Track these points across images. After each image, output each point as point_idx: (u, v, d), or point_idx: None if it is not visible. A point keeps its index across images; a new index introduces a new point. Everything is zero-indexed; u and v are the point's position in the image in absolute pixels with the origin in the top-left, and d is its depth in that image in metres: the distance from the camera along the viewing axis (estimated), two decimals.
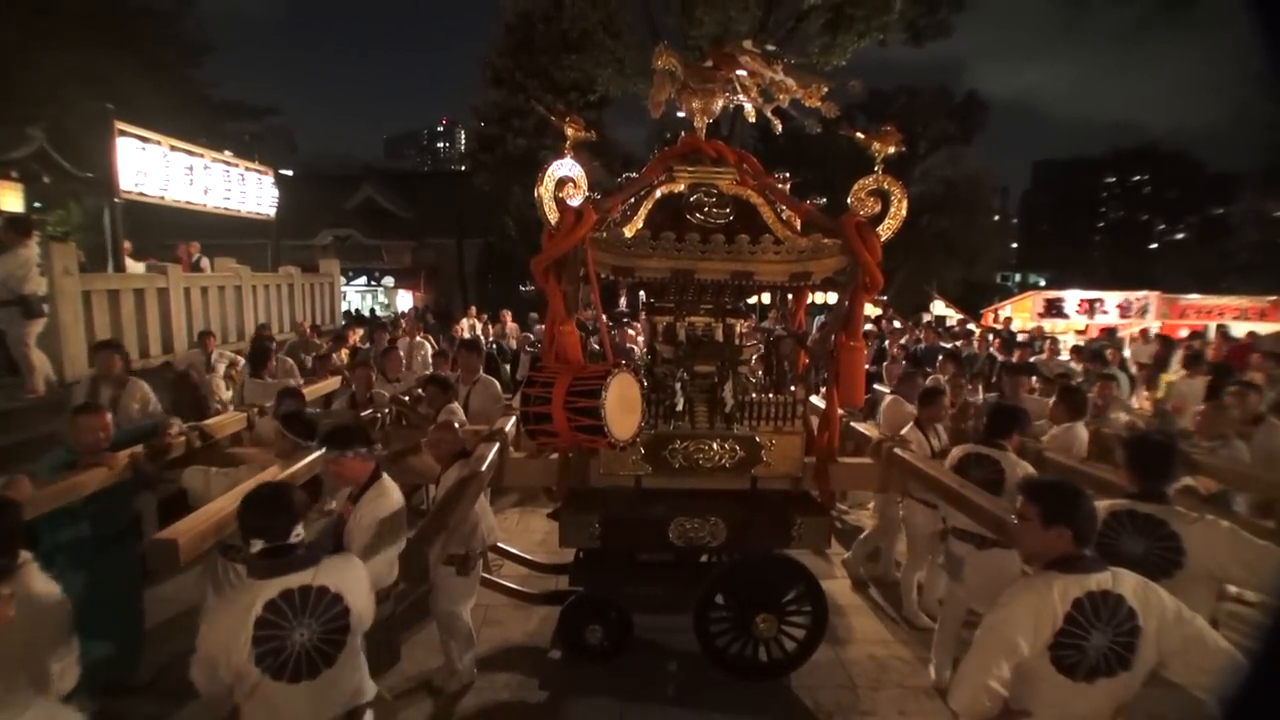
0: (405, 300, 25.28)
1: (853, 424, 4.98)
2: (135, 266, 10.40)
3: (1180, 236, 56.66)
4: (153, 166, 10.41)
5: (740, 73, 4.21)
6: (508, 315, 12.58)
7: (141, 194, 10.25)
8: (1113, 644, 2.08)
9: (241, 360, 7.70)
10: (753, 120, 4.62)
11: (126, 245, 10.64)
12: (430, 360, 8.90)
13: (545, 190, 3.69)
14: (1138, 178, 65.24)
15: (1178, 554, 2.62)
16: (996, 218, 35.21)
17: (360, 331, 10.43)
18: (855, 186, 3.94)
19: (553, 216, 3.68)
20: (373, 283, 26.46)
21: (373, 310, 23.51)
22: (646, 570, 4.57)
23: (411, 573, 2.77)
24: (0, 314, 6.56)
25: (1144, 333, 14.12)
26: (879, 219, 3.92)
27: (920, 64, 21.05)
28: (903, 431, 5.01)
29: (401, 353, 7.93)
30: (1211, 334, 14.22)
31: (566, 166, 3.74)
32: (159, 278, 9.31)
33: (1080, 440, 4.90)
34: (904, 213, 3.93)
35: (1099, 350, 9.71)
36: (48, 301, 6.88)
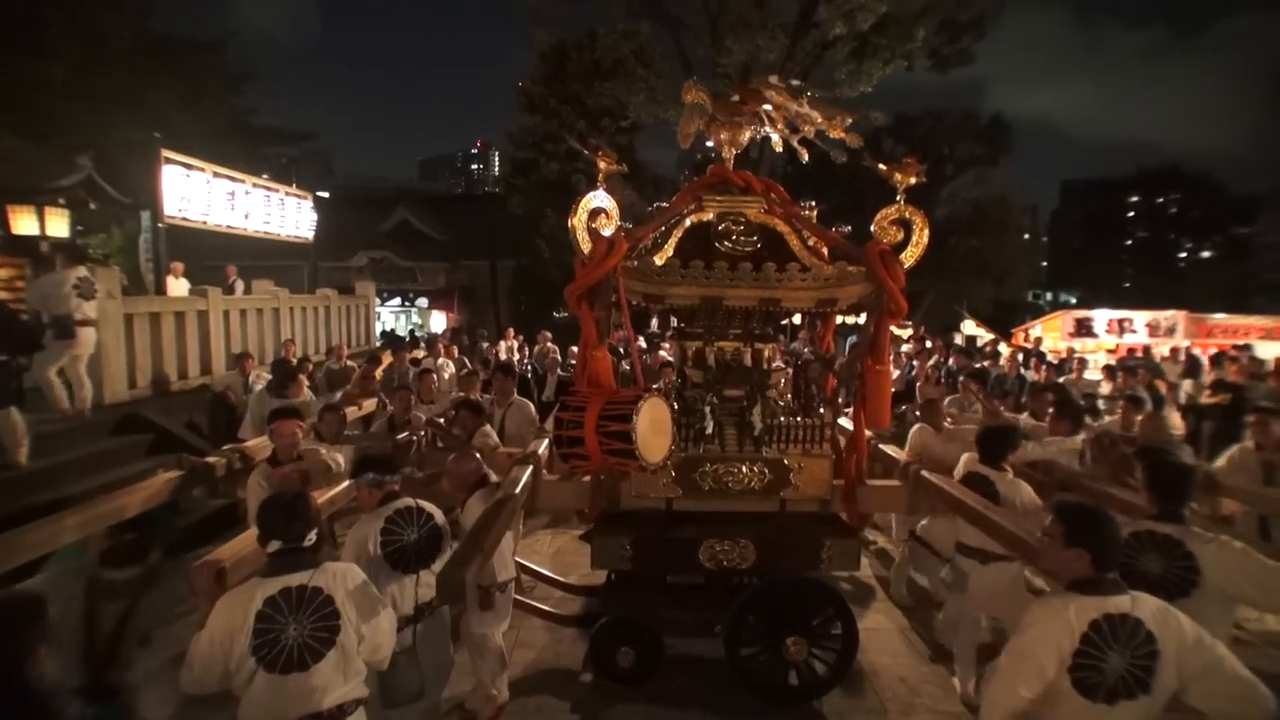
0: (439, 321, 25.59)
1: (880, 446, 5.02)
2: (179, 287, 10.75)
3: (1206, 255, 56.05)
4: (196, 192, 10.82)
5: (766, 107, 4.33)
6: (546, 336, 12.67)
7: (185, 219, 10.65)
8: (1131, 667, 2.10)
9: None
10: (780, 150, 4.73)
11: (179, 266, 11.01)
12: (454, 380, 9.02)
13: (579, 221, 3.81)
14: (1162, 198, 64.75)
15: (1194, 574, 2.67)
16: (1026, 237, 34.88)
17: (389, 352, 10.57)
18: (878, 215, 4.03)
19: (586, 246, 3.80)
20: (406, 303, 26.85)
21: (411, 331, 23.86)
22: (677, 592, 4.60)
23: (448, 594, 2.87)
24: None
25: (1174, 351, 13.89)
26: (902, 246, 4.01)
27: (944, 85, 21.08)
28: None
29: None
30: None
31: (600, 198, 3.86)
32: (199, 300, 9.60)
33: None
34: (926, 240, 4.01)
35: (1133, 369, 9.56)
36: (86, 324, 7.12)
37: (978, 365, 10.75)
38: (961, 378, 8.11)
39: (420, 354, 11.03)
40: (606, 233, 3.82)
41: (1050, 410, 5.42)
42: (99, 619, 2.90)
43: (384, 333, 21.11)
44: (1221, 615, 2.64)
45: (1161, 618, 2.14)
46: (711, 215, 4.34)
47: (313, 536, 2.61)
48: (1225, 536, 2.76)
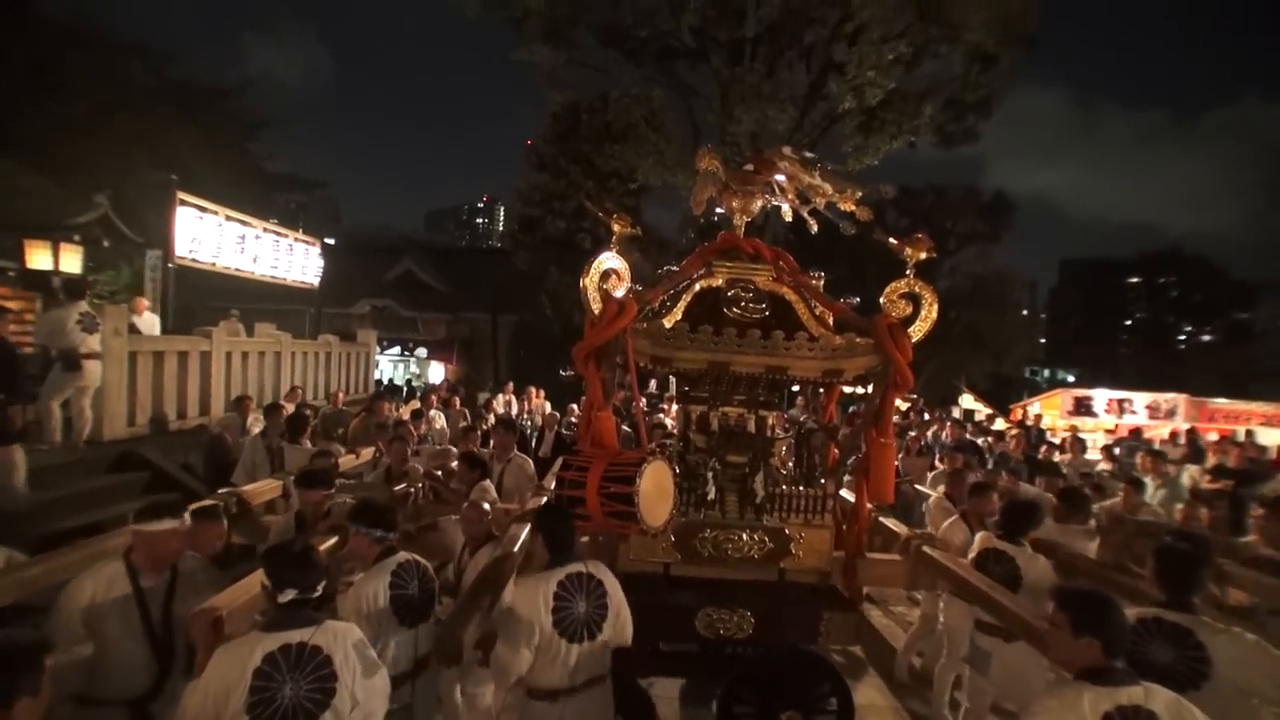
0: (437, 372, 25.58)
1: (882, 519, 4.96)
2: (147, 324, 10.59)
3: (1207, 339, 56.60)
4: (207, 234, 10.97)
5: (779, 177, 4.42)
6: (533, 391, 12.71)
7: (195, 260, 10.76)
8: None
9: None
10: (789, 220, 4.82)
11: (142, 303, 10.95)
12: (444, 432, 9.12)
13: (591, 281, 3.86)
14: (1163, 280, 65.64)
15: (1204, 665, 2.60)
16: (1024, 313, 35.32)
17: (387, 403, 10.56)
18: (888, 289, 4.08)
19: (597, 306, 3.83)
20: (406, 353, 26.86)
21: (408, 381, 23.85)
22: (671, 660, 4.48)
23: (446, 654, 2.80)
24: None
25: (1174, 434, 13.83)
26: (910, 320, 4.04)
27: (945, 160, 21.76)
28: (945, 525, 4.98)
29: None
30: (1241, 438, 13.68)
31: (611, 259, 3.92)
32: (203, 341, 9.57)
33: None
34: (934, 315, 4.05)
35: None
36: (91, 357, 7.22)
37: (978, 441, 10.71)
38: (943, 450, 8.03)
39: (416, 405, 11.05)
40: (617, 294, 3.87)
41: (1056, 499, 5.34)
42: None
43: (376, 381, 21.16)
44: (1235, 710, 2.54)
45: (1176, 711, 2.08)
46: (721, 281, 4.38)
47: (321, 588, 2.56)
48: (1238, 628, 2.70)
